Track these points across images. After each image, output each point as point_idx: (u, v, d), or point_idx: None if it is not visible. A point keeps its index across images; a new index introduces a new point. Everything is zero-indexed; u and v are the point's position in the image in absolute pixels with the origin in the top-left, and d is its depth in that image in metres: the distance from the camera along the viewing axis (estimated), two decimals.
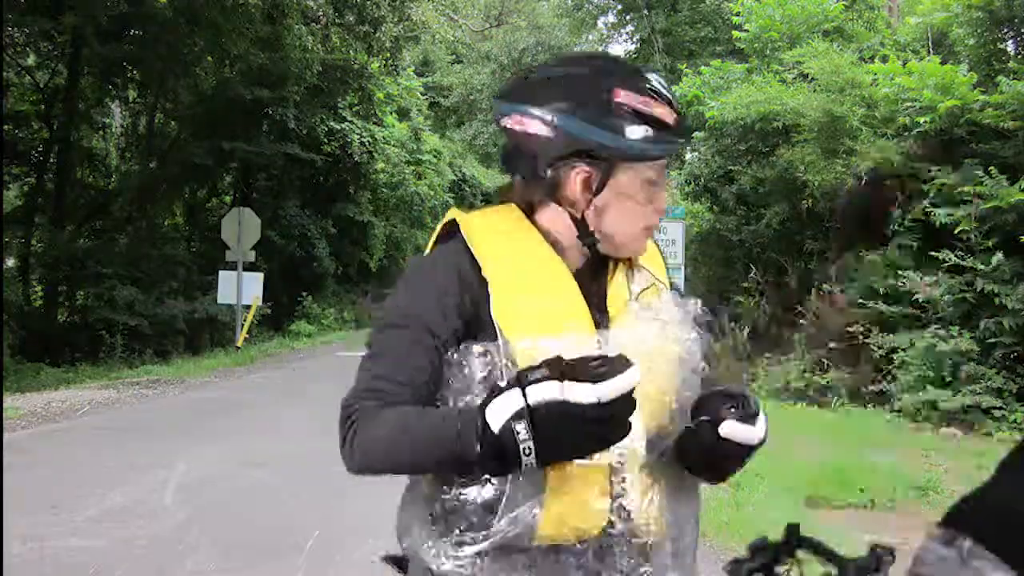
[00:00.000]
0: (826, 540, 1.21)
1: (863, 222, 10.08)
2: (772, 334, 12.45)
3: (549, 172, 1.08)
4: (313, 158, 17.21)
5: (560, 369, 0.86)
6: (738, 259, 14.41)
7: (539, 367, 0.88)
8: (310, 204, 18.92)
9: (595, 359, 0.88)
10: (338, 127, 17.70)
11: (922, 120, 9.27)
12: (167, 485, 4.87)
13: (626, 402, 0.87)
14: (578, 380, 0.85)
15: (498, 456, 0.88)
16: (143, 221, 15.94)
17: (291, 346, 14.33)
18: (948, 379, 8.27)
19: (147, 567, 3.53)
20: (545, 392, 0.85)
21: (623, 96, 1.05)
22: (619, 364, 0.87)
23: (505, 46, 27.28)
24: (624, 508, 1.03)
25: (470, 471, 0.94)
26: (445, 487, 1.00)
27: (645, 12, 21.52)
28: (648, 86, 1.07)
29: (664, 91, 1.08)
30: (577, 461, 0.95)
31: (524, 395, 0.86)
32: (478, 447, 0.88)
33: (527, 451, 0.86)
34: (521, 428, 0.85)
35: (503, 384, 0.90)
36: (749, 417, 1.04)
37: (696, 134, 14.96)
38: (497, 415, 0.86)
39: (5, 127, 14.50)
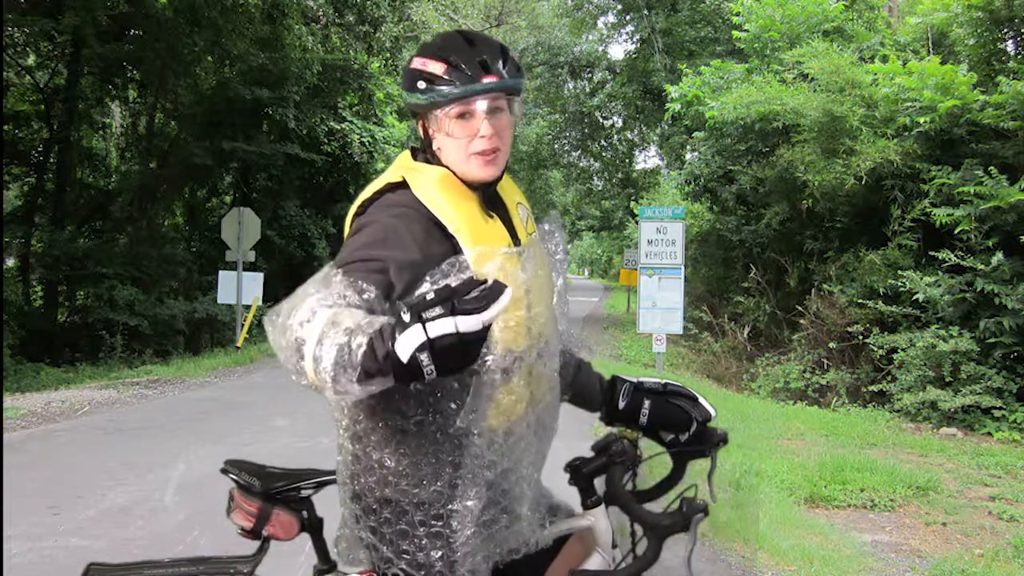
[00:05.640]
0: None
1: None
2: (772, 334, 12.45)
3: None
4: (313, 158, 17.18)
5: (451, 304, 1.06)
6: (738, 259, 14.40)
7: (433, 302, 1.07)
8: (310, 204, 18.90)
9: (478, 285, 1.09)
10: (338, 127, 17.66)
11: (922, 120, 9.27)
12: (167, 485, 4.87)
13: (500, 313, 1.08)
14: (466, 311, 1.05)
15: (408, 376, 1.08)
16: (143, 221, 15.92)
17: None
18: (948, 379, 8.26)
19: None
20: (442, 328, 1.05)
21: (415, 62, 1.41)
22: (496, 291, 1.07)
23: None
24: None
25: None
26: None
27: (645, 12, 21.48)
28: (430, 49, 1.41)
29: (436, 52, 1.39)
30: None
31: (425, 331, 1.05)
32: (388, 367, 1.08)
33: (430, 372, 1.06)
34: (424, 357, 1.05)
35: (406, 317, 1.07)
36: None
37: (696, 134, 14.98)
38: (404, 349, 1.05)
39: (5, 127, 14.51)
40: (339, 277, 1.21)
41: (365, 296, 1.20)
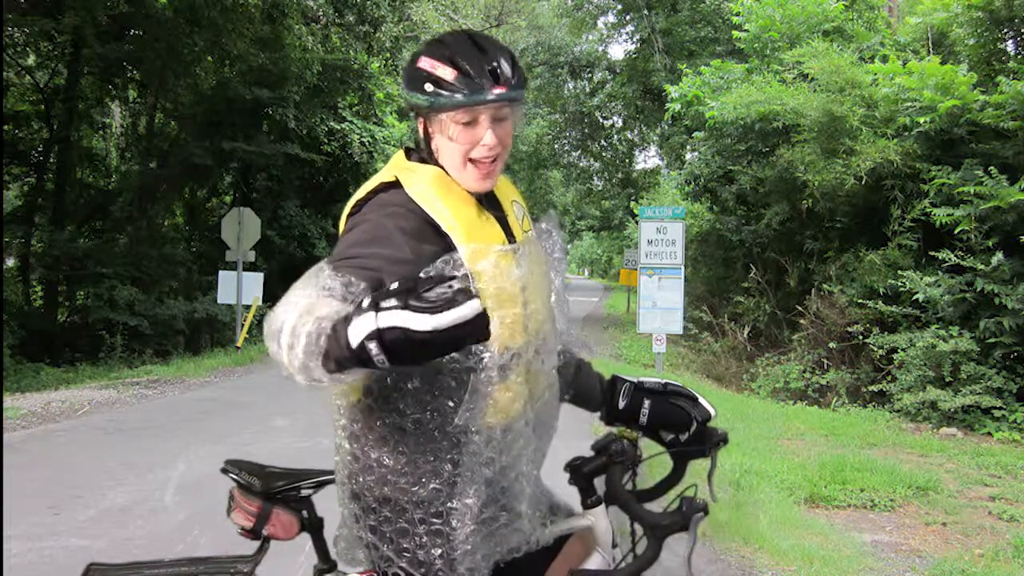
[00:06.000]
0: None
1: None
2: (772, 334, 12.45)
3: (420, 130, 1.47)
4: (313, 158, 17.18)
5: (407, 298, 1.04)
6: (738, 259, 14.40)
7: (393, 292, 1.06)
8: (310, 204, 18.90)
9: (443, 282, 1.05)
10: (338, 127, 17.66)
11: (922, 120, 9.27)
12: (167, 485, 4.87)
13: (465, 326, 1.04)
14: (418, 308, 1.02)
15: (361, 363, 1.07)
16: (143, 221, 15.93)
17: None
18: (948, 379, 8.26)
19: None
20: (390, 320, 1.03)
21: (423, 62, 1.39)
22: (457, 298, 1.03)
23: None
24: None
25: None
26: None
27: (645, 12, 21.48)
28: (440, 52, 1.38)
29: (446, 55, 1.37)
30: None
31: (376, 320, 1.04)
32: (347, 354, 1.07)
33: (381, 362, 1.05)
34: (373, 346, 1.04)
35: (365, 304, 1.07)
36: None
37: (696, 134, 14.98)
38: (355, 335, 1.05)
39: (5, 127, 14.50)
40: (327, 271, 1.22)
41: (351, 289, 1.20)
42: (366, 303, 1.07)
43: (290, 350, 1.11)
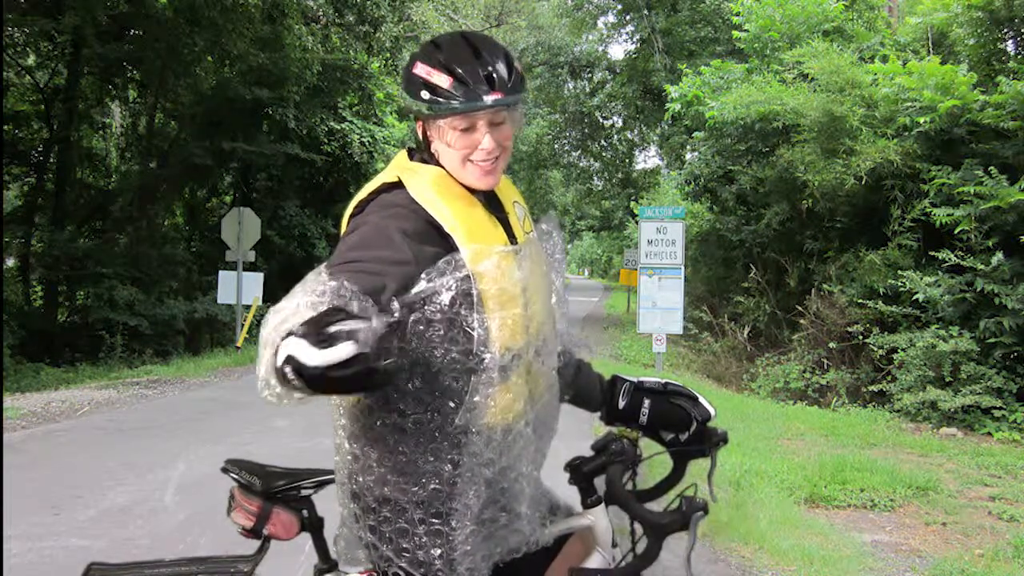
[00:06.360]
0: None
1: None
2: (772, 334, 12.45)
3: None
4: (313, 158, 17.18)
5: (307, 327, 1.00)
6: (738, 259, 14.40)
7: (313, 318, 1.02)
8: (310, 204, 18.90)
9: (343, 320, 1.00)
10: (338, 127, 17.66)
11: (922, 120, 9.27)
12: (167, 485, 4.87)
13: (342, 369, 0.97)
14: (315, 341, 0.98)
15: (287, 383, 1.02)
16: (143, 221, 15.94)
17: None
18: (948, 379, 8.26)
19: None
20: (290, 347, 1.00)
21: (419, 68, 1.38)
22: (343, 336, 0.97)
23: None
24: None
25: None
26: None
27: (645, 12, 21.49)
28: (435, 57, 1.37)
29: (442, 61, 1.36)
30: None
31: (289, 344, 1.00)
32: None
33: (297, 386, 1.00)
34: (288, 370, 1.00)
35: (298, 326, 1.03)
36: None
37: (696, 134, 14.98)
38: (280, 355, 1.01)
39: (5, 127, 14.51)
40: (323, 276, 1.20)
41: (342, 294, 1.17)
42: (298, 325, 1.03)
43: (259, 360, 1.10)
